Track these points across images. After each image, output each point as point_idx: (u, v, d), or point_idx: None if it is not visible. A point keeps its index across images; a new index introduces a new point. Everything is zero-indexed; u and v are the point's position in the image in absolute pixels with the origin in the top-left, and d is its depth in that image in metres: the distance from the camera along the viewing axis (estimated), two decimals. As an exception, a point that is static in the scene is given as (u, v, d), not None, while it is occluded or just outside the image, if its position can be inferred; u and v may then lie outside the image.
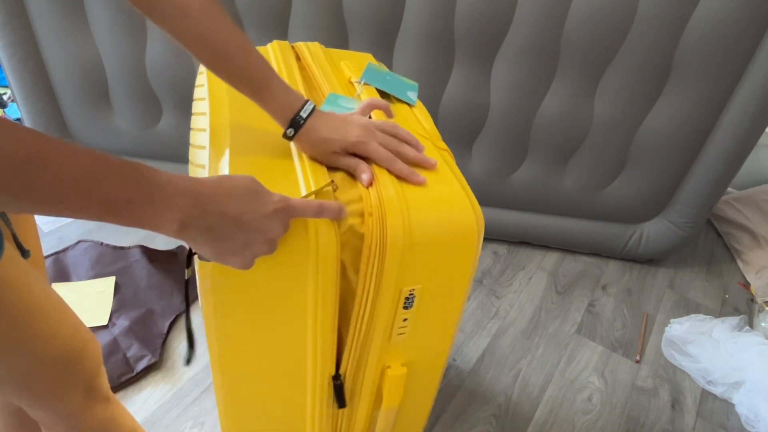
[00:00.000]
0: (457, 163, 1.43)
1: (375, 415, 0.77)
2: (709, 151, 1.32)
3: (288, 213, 0.51)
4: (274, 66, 0.80)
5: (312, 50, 0.86)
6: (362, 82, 0.77)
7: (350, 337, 0.64)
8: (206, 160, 0.60)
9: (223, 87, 0.71)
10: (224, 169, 0.58)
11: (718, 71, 1.20)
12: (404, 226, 0.57)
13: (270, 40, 1.33)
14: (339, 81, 0.79)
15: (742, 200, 1.75)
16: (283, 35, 1.33)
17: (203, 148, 0.62)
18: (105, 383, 0.70)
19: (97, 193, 0.40)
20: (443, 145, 0.72)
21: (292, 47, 0.87)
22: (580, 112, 1.32)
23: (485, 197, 1.51)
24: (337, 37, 1.31)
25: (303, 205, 0.52)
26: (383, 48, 1.31)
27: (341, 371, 0.67)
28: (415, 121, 0.75)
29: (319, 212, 0.53)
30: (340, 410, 0.74)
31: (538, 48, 1.23)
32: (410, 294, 0.62)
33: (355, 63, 0.85)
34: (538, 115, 1.35)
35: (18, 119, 2.02)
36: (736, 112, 1.24)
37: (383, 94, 0.78)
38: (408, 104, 0.78)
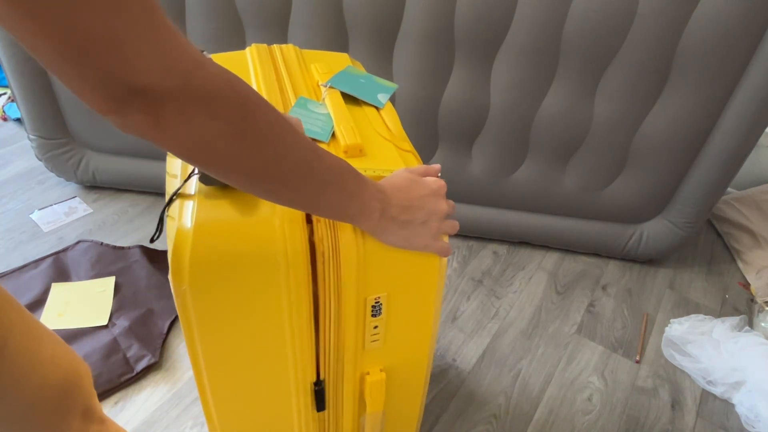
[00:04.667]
0: (457, 163, 1.44)
1: (361, 420, 0.78)
2: (709, 151, 1.32)
3: (442, 189, 0.59)
4: (251, 71, 0.80)
5: (285, 53, 0.86)
6: (328, 86, 0.78)
7: (322, 343, 0.65)
8: (178, 169, 0.61)
9: None
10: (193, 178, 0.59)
11: (719, 71, 1.20)
12: (356, 234, 0.58)
13: (270, 40, 1.34)
14: (307, 84, 0.79)
15: (742, 200, 1.75)
16: (282, 35, 1.33)
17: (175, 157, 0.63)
18: (99, 404, 0.70)
19: (345, 182, 0.49)
20: (408, 147, 0.72)
21: (268, 49, 0.87)
22: (580, 112, 1.32)
23: (485, 197, 1.51)
24: (337, 37, 1.31)
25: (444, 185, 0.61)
26: (383, 48, 1.31)
27: (322, 377, 0.68)
28: (380, 122, 0.75)
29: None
30: (327, 416, 0.75)
31: (538, 48, 1.23)
32: (376, 302, 0.63)
33: (327, 65, 0.85)
34: (538, 115, 1.35)
35: (18, 119, 2.02)
36: (736, 112, 1.24)
37: (351, 97, 0.79)
38: (375, 107, 0.79)
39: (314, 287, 0.61)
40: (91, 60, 0.31)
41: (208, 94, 0.37)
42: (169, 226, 0.56)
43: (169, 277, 0.55)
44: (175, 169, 0.61)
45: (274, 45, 0.88)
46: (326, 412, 0.74)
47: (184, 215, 0.55)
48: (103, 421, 0.70)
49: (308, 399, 0.71)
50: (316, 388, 0.69)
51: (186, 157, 0.40)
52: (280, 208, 0.56)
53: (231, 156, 0.41)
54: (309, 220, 0.58)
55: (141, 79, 0.33)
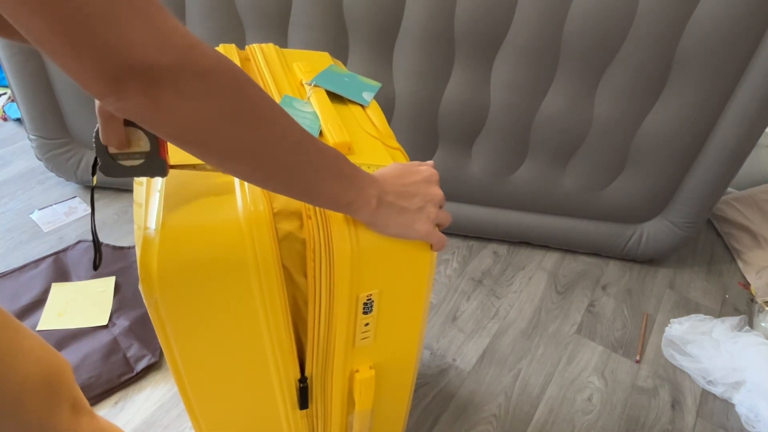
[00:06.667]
0: (457, 163, 1.44)
1: (350, 419, 0.77)
2: (709, 151, 1.33)
3: (435, 176, 0.59)
4: None
5: (265, 52, 0.86)
6: (312, 84, 0.78)
7: (310, 341, 0.64)
8: (143, 197, 0.60)
9: None
10: (155, 202, 0.57)
11: (718, 71, 1.20)
12: (350, 231, 0.57)
13: (270, 40, 1.34)
14: (291, 83, 0.79)
15: (742, 200, 1.75)
16: (282, 35, 1.33)
17: (141, 184, 0.61)
18: (85, 399, 0.69)
19: (340, 167, 0.50)
20: (395, 144, 0.72)
21: (247, 49, 0.87)
22: (580, 112, 1.32)
23: (485, 197, 1.51)
24: (337, 37, 1.31)
25: (436, 173, 0.61)
26: (383, 48, 1.31)
27: (307, 374, 0.68)
28: (367, 120, 0.76)
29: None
30: (315, 414, 0.74)
31: (538, 48, 1.23)
32: (368, 299, 0.62)
33: (309, 64, 0.84)
34: (538, 115, 1.35)
35: (18, 119, 2.02)
36: (736, 112, 1.24)
37: (336, 96, 0.79)
38: (361, 105, 0.79)
39: (300, 284, 0.60)
40: (88, 37, 0.31)
41: (206, 71, 0.37)
42: (136, 235, 0.55)
43: (139, 286, 0.54)
44: (141, 197, 0.59)
45: (254, 44, 0.87)
46: (314, 410, 0.73)
47: (149, 222, 0.54)
48: (92, 414, 0.70)
49: (293, 396, 0.70)
50: (301, 386, 0.68)
51: (185, 140, 0.39)
52: (246, 210, 0.55)
53: (231, 136, 0.41)
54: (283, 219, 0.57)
55: (139, 56, 0.33)
